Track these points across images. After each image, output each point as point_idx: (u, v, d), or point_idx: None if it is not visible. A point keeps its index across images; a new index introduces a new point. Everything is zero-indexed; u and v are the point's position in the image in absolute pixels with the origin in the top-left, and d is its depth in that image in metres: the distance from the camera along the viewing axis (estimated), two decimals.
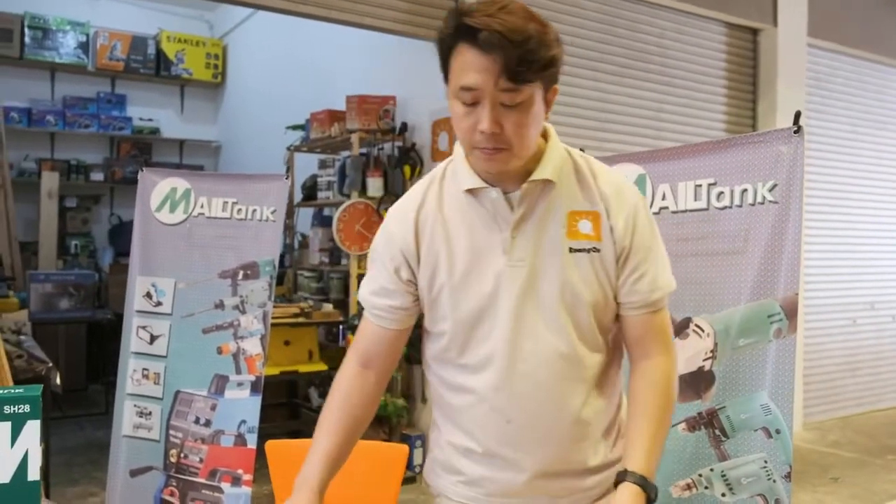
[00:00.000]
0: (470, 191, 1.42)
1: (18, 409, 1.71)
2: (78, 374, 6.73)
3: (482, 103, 1.29)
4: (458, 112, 1.33)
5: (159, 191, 3.08)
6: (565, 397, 1.42)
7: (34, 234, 7.04)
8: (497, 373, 1.42)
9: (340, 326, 5.05)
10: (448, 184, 1.47)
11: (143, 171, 3.13)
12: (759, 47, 6.16)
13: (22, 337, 4.56)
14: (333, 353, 5.22)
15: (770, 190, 1.94)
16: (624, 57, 5.39)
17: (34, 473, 1.73)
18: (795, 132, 1.92)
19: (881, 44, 6.82)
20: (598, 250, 1.40)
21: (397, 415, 4.64)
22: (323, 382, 4.96)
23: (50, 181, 7.04)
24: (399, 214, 1.49)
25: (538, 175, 1.39)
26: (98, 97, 7.85)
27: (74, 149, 7.74)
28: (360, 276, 4.89)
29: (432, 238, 1.44)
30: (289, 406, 5.41)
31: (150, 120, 8.11)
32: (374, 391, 1.54)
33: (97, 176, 7.77)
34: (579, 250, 1.40)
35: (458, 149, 1.45)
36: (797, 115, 1.95)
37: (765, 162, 1.95)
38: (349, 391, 1.52)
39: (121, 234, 7.67)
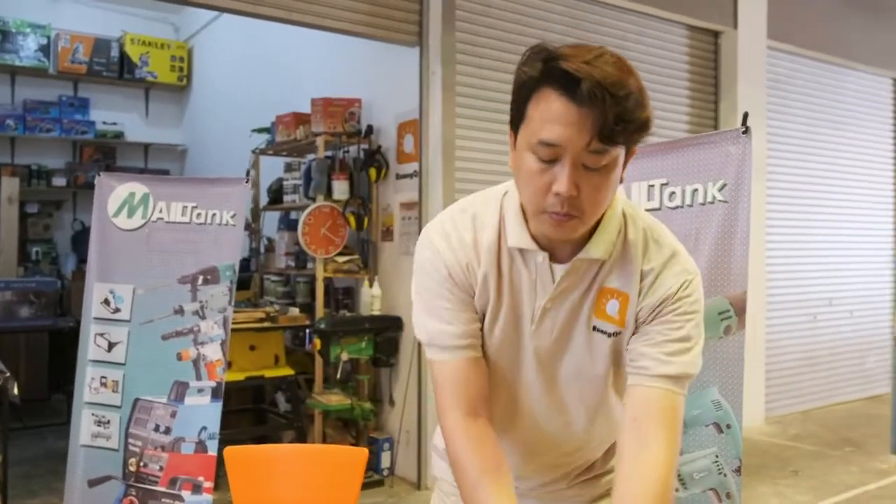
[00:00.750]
0: (518, 249, 1.29)
1: None
2: (40, 383, 6.62)
3: (562, 162, 1.13)
4: (530, 168, 1.17)
5: (117, 196, 3.05)
6: (573, 450, 1.44)
7: None
8: (512, 431, 1.42)
9: (307, 330, 5.03)
10: (503, 236, 1.31)
11: (99, 175, 3.10)
12: (720, 49, 6.26)
13: None
14: (300, 357, 5.20)
15: (720, 189, 1.97)
16: None
17: None
18: (744, 133, 1.96)
19: (838, 46, 6.96)
20: (618, 334, 1.29)
21: (364, 418, 4.64)
22: (290, 387, 4.94)
23: (10, 186, 6.93)
24: (451, 251, 1.32)
25: (589, 253, 1.25)
26: (60, 101, 7.74)
27: (36, 153, 7.62)
28: (326, 280, 4.88)
29: (484, 285, 1.31)
30: (255, 412, 5.37)
31: (115, 124, 8.01)
32: (494, 435, 1.33)
33: (59, 181, 7.66)
34: (601, 331, 1.29)
35: (515, 206, 1.29)
36: (745, 117, 1.99)
37: (714, 162, 1.99)
38: (478, 445, 1.29)
39: (84, 241, 7.50)
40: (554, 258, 1.27)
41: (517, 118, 1.20)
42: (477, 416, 1.30)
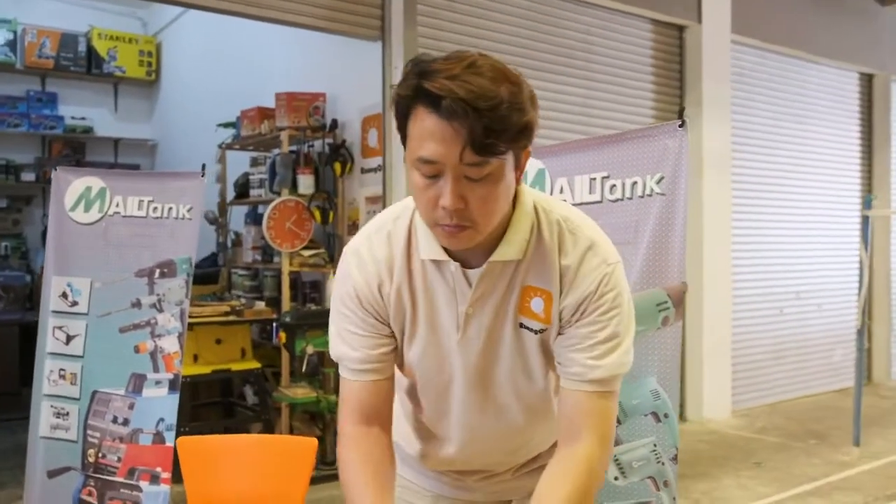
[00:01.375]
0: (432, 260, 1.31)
1: None
2: (9, 377, 6.58)
3: (444, 176, 1.15)
4: (417, 184, 1.18)
5: (73, 190, 3.06)
6: (516, 448, 1.48)
7: None
8: (449, 439, 1.46)
9: (273, 324, 5.05)
10: (414, 249, 1.33)
11: (55, 170, 3.10)
12: (685, 44, 6.32)
13: None
14: (267, 350, 5.22)
15: (657, 182, 2.02)
16: (549, 53, 5.48)
17: None
18: (680, 126, 2.00)
19: (802, 40, 7.06)
20: (544, 331, 1.31)
21: (331, 411, 4.66)
22: (257, 380, 4.96)
23: None
24: (363, 273, 1.34)
25: (501, 255, 1.26)
26: (28, 96, 7.66)
27: (4, 149, 7.55)
28: (292, 274, 4.90)
29: (398, 300, 1.34)
30: (223, 405, 5.38)
31: (83, 119, 7.95)
32: (388, 443, 1.38)
33: (28, 176, 7.60)
34: (528, 328, 1.31)
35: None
36: (681, 111, 2.04)
37: (652, 155, 2.03)
38: (367, 452, 1.34)
39: None
40: (467, 265, 1.28)
41: (403, 137, 1.21)
42: (371, 424, 1.35)
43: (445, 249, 1.28)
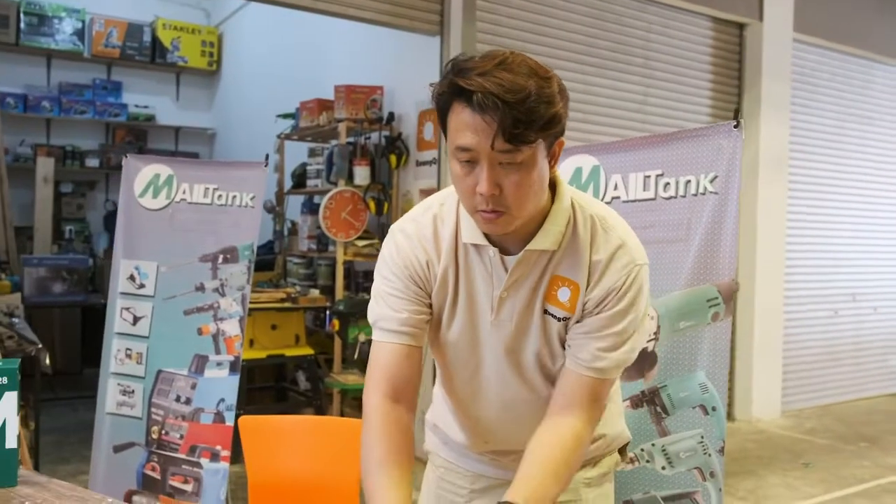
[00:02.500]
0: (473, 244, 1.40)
1: None
2: (72, 357, 6.86)
3: (480, 163, 1.25)
4: (456, 172, 1.29)
5: (143, 177, 3.18)
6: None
7: (29, 219, 7.15)
8: (481, 415, 1.53)
9: (327, 311, 5.16)
10: (460, 223, 1.42)
11: (126, 157, 3.23)
12: (745, 42, 6.25)
13: (14, 319, 4.69)
14: (320, 337, 5.34)
15: (711, 181, 2.04)
16: (609, 50, 5.49)
17: (12, 441, 1.85)
18: (735, 127, 2.03)
19: (866, 39, 6.91)
20: (567, 320, 1.39)
21: None
22: (310, 366, 5.08)
23: (45, 167, 7.16)
24: (411, 246, 1.43)
25: (537, 245, 1.35)
26: (94, 84, 7.94)
27: (70, 135, 7.84)
28: (346, 263, 5.01)
29: (444, 278, 1.42)
30: (276, 389, 5.53)
31: (146, 107, 8.21)
32: (409, 424, 1.42)
33: (92, 162, 7.88)
34: (552, 315, 1.39)
35: None
36: (736, 111, 2.06)
37: (707, 155, 2.06)
38: (388, 431, 1.37)
39: (116, 221, 7.79)
40: (505, 251, 1.38)
41: (444, 130, 1.31)
42: (398, 401, 1.39)
43: (486, 236, 1.36)
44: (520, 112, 1.19)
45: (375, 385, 1.41)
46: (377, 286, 1.46)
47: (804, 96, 6.58)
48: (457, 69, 1.25)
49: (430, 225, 1.43)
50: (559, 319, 1.39)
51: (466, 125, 1.23)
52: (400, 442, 1.37)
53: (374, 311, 1.45)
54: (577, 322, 1.39)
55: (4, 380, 1.84)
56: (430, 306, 1.45)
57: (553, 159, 1.31)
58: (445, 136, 1.31)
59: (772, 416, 6.28)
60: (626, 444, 1.69)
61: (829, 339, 6.95)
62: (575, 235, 1.37)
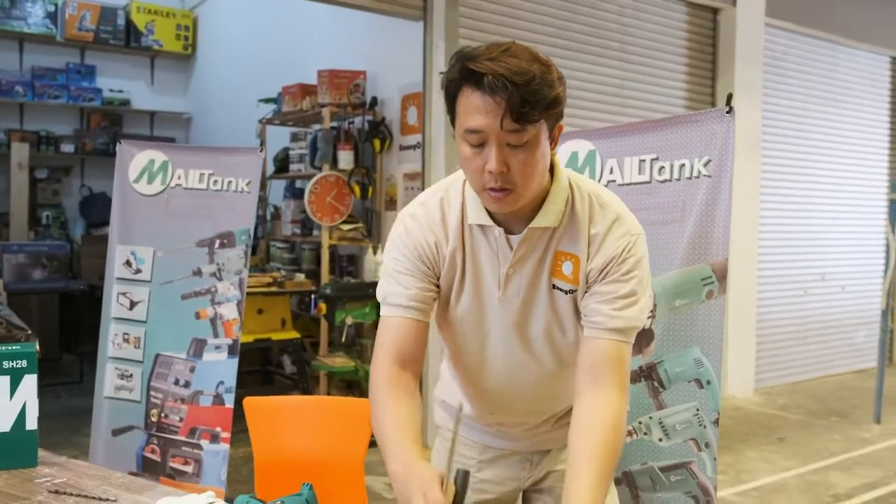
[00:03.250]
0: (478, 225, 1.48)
1: (17, 364, 1.88)
2: (51, 343, 6.81)
3: (489, 144, 1.33)
4: (466, 154, 1.37)
5: (137, 162, 3.20)
6: (551, 395, 1.64)
7: (5, 205, 7.08)
8: (487, 388, 1.62)
9: (312, 296, 5.21)
10: (467, 206, 1.50)
11: (120, 143, 3.25)
12: (719, 26, 6.37)
13: None
14: (305, 321, 5.39)
15: (705, 165, 2.13)
16: (585, 34, 5.56)
17: (32, 423, 1.91)
18: (727, 112, 2.11)
19: (834, 23, 7.07)
20: (574, 292, 1.48)
21: (368, 379, 4.82)
22: (295, 350, 5.13)
23: (20, 152, 7.07)
24: (421, 229, 1.51)
25: (539, 222, 1.44)
26: (67, 68, 7.84)
27: (44, 120, 7.75)
28: (331, 247, 5.05)
29: (452, 259, 1.50)
30: (262, 373, 5.57)
31: (121, 91, 8.12)
32: (416, 390, 1.48)
33: (67, 147, 7.80)
34: (559, 289, 1.48)
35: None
36: (729, 97, 2.15)
37: (700, 139, 2.15)
38: (396, 390, 1.44)
39: (92, 206, 7.74)
40: (510, 231, 1.47)
41: (451, 116, 1.40)
42: (405, 368, 1.46)
43: (491, 216, 1.46)
44: (526, 93, 1.29)
45: (384, 353, 1.47)
46: (387, 266, 1.53)
47: (774, 80, 6.72)
48: (466, 57, 1.33)
49: (438, 208, 1.51)
50: (566, 292, 1.48)
51: (476, 108, 1.31)
52: (407, 399, 1.44)
53: (383, 289, 1.52)
54: (585, 293, 1.47)
55: (24, 363, 1.88)
56: (438, 286, 1.52)
57: (553, 142, 1.41)
58: (453, 123, 1.39)
59: (746, 393, 6.46)
60: None
61: (800, 318, 7.15)
62: (573, 212, 1.47)
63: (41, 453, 1.95)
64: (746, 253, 6.41)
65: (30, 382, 1.89)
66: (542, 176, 1.41)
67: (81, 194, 7.95)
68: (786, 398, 6.47)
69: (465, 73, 1.32)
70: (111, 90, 8.05)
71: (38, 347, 4.03)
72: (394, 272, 1.51)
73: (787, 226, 6.95)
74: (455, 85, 1.35)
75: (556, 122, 1.39)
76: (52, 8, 7.49)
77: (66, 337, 6.92)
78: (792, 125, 6.94)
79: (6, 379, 1.88)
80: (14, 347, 1.91)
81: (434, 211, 1.51)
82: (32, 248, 6.06)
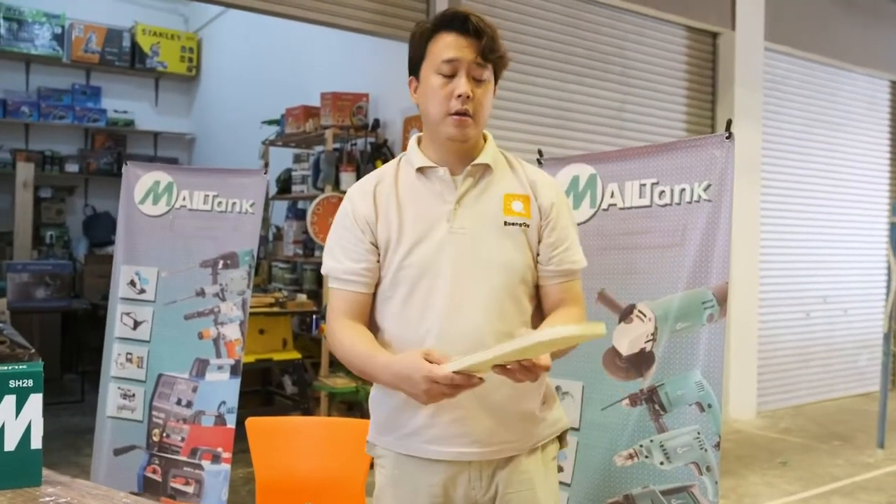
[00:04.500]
0: (421, 170, 1.68)
1: (22, 383, 1.89)
2: (53, 362, 6.81)
3: (459, 73, 1.60)
4: (435, 85, 1.62)
5: (143, 184, 3.23)
6: (498, 314, 1.65)
7: (9, 224, 7.11)
8: (436, 322, 1.62)
9: (314, 316, 5.22)
10: (402, 167, 1.73)
11: (126, 164, 3.28)
12: (718, 50, 6.42)
13: (1, 325, 4.68)
14: (306, 342, 5.40)
15: (705, 189, 2.16)
16: (586, 58, 5.62)
17: (37, 442, 1.91)
18: (727, 138, 2.14)
19: (833, 47, 7.12)
20: (527, 225, 1.69)
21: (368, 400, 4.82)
22: (297, 370, 5.13)
23: (25, 172, 7.11)
24: (359, 191, 1.72)
25: (480, 160, 1.69)
26: (73, 89, 7.92)
27: (49, 140, 7.81)
28: None
29: (388, 208, 1.67)
30: (262, 393, 5.57)
31: (125, 112, 8.19)
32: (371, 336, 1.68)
33: (72, 167, 7.85)
34: (513, 224, 1.68)
35: (412, 141, 1.76)
36: (728, 123, 2.17)
37: (700, 164, 2.17)
38: (354, 330, 1.66)
39: (95, 225, 7.78)
40: (453, 172, 1.68)
41: (418, 60, 1.66)
42: (357, 321, 1.68)
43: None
44: (492, 40, 1.62)
45: (336, 314, 1.68)
46: (331, 242, 1.72)
47: (774, 103, 6.77)
48: (441, 14, 1.66)
49: (371, 181, 1.73)
50: (520, 225, 1.69)
51: (451, 45, 1.61)
52: (364, 329, 1.67)
53: (326, 265, 1.72)
54: (538, 233, 1.71)
55: (30, 382, 1.89)
56: (377, 255, 1.67)
57: (493, 95, 1.70)
58: (418, 66, 1.65)
59: (748, 416, 6.44)
60: (566, 432, 1.82)
61: (802, 340, 7.13)
62: (509, 162, 1.76)
63: (45, 472, 1.95)
64: (747, 276, 6.42)
65: (35, 401, 1.90)
66: (487, 117, 1.67)
67: (85, 214, 7.99)
68: (788, 421, 6.45)
69: (446, 18, 1.63)
70: (116, 111, 8.11)
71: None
72: (336, 248, 1.70)
73: (788, 248, 6.96)
74: (432, 30, 1.64)
75: (497, 82, 1.69)
76: (58, 30, 7.58)
77: (67, 356, 6.92)
78: (793, 148, 6.97)
79: (12, 398, 1.89)
80: (20, 367, 1.92)
81: (367, 183, 1.73)
82: (36, 267, 6.08)
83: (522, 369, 1.44)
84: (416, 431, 1.67)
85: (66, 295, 6.18)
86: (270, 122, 5.85)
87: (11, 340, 4.39)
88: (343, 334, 1.65)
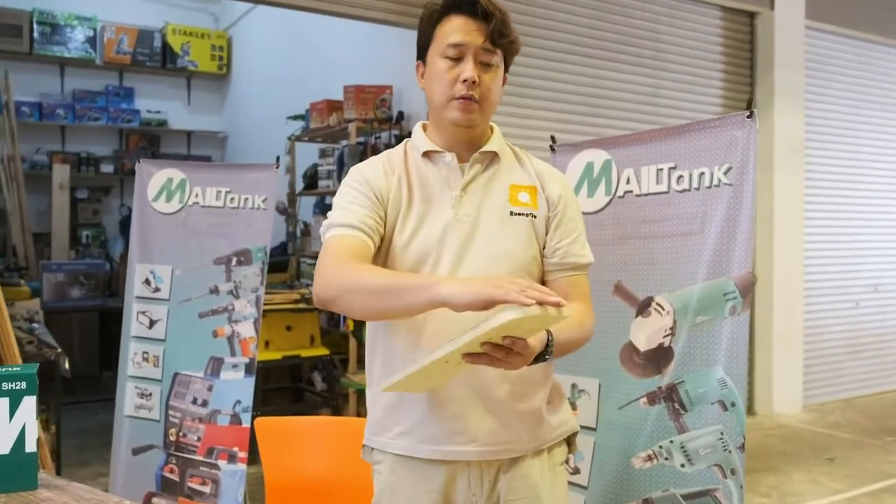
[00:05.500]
0: (427, 155, 1.62)
1: (16, 385, 1.84)
2: (91, 360, 6.90)
3: (465, 58, 1.54)
4: (441, 69, 1.56)
5: (156, 181, 3.19)
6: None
7: (46, 225, 7.21)
8: (428, 316, 1.50)
9: None
10: (409, 150, 1.66)
11: (139, 162, 3.24)
12: (756, 31, 6.20)
13: (34, 325, 4.72)
14: (334, 338, 5.34)
15: (725, 173, 2.01)
16: (617, 42, 5.45)
17: (31, 445, 1.86)
18: (748, 117, 2.00)
19: (883, 25, 6.82)
20: (534, 216, 1.63)
21: None
22: (325, 366, 5.08)
23: (61, 173, 7.20)
24: (370, 166, 1.64)
25: (487, 148, 1.63)
26: (106, 90, 7.99)
27: (84, 141, 7.90)
28: None
29: (398, 186, 1.60)
30: (292, 390, 5.53)
31: (158, 112, 8.25)
32: None
33: (107, 168, 7.93)
34: (519, 214, 1.62)
35: (417, 127, 1.69)
36: (749, 101, 2.03)
37: (720, 146, 2.03)
38: (363, 263, 1.50)
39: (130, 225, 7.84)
40: (460, 159, 1.62)
41: (426, 44, 1.61)
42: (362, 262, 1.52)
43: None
44: (502, 24, 1.55)
45: (338, 254, 1.49)
46: (337, 201, 1.60)
47: (818, 84, 6.50)
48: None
49: (380, 161, 1.65)
50: (527, 216, 1.62)
51: (459, 28, 1.54)
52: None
53: (331, 218, 1.57)
54: (546, 225, 1.64)
55: (23, 384, 1.84)
56: (384, 221, 1.58)
57: (503, 83, 1.63)
58: (425, 50, 1.60)
59: (793, 410, 6.22)
60: (574, 435, 1.73)
61: (852, 331, 6.85)
62: (516, 154, 1.70)
63: (41, 475, 1.91)
64: (791, 265, 6.19)
65: (29, 404, 1.85)
66: (495, 106, 1.61)
67: (121, 213, 8.06)
68: (837, 416, 6.20)
69: (455, 1, 1.55)
70: (149, 111, 8.17)
71: (67, 366, 4.05)
72: (345, 203, 1.57)
73: (835, 235, 6.69)
74: (440, 12, 1.57)
75: (507, 68, 1.63)
76: (91, 32, 7.65)
77: (105, 354, 6.99)
78: (840, 131, 6.69)
79: (5, 401, 1.84)
80: (14, 369, 1.88)
81: (376, 163, 1.65)
82: (71, 266, 6.14)
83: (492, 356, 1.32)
84: (410, 429, 1.59)
85: (101, 294, 6.24)
86: (295, 118, 5.81)
87: (40, 340, 4.40)
88: (357, 265, 1.46)
